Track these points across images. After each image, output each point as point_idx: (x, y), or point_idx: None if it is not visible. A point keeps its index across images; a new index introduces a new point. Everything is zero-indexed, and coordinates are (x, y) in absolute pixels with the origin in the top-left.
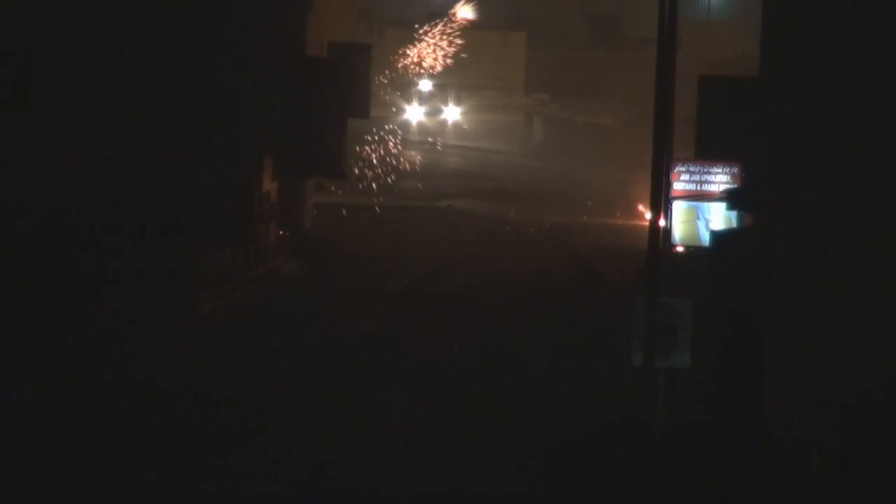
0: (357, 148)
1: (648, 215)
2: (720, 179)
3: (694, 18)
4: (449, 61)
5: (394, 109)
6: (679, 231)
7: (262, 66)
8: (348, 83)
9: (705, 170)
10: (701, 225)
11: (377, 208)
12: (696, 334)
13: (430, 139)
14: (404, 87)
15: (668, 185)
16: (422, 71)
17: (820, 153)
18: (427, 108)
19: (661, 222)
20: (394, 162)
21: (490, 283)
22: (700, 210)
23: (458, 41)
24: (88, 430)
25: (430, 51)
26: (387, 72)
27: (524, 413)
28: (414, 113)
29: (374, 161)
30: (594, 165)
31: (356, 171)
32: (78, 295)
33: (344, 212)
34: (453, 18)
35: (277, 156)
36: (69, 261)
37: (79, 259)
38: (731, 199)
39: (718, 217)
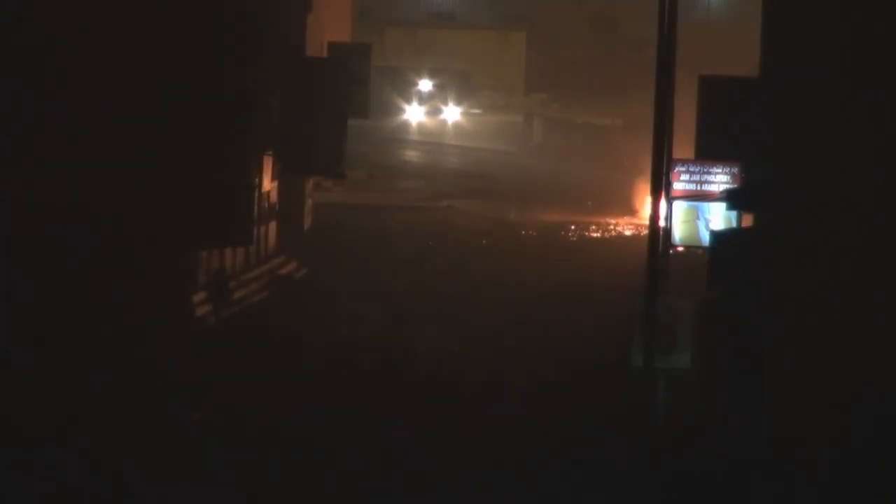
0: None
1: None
2: (720, 179)
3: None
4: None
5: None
6: (679, 231)
7: (262, 66)
8: (348, 83)
9: (705, 170)
10: (701, 225)
11: (376, 209)
12: (696, 334)
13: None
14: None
15: (669, 185)
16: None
17: (820, 153)
18: (427, 108)
19: (661, 222)
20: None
21: (491, 283)
22: (700, 210)
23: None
24: (87, 430)
25: None
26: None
27: (525, 413)
28: (414, 113)
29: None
30: (594, 166)
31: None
32: (77, 295)
33: (343, 212)
34: None
35: (277, 156)
36: (68, 260)
37: (77, 259)
38: (731, 199)
39: (718, 217)
